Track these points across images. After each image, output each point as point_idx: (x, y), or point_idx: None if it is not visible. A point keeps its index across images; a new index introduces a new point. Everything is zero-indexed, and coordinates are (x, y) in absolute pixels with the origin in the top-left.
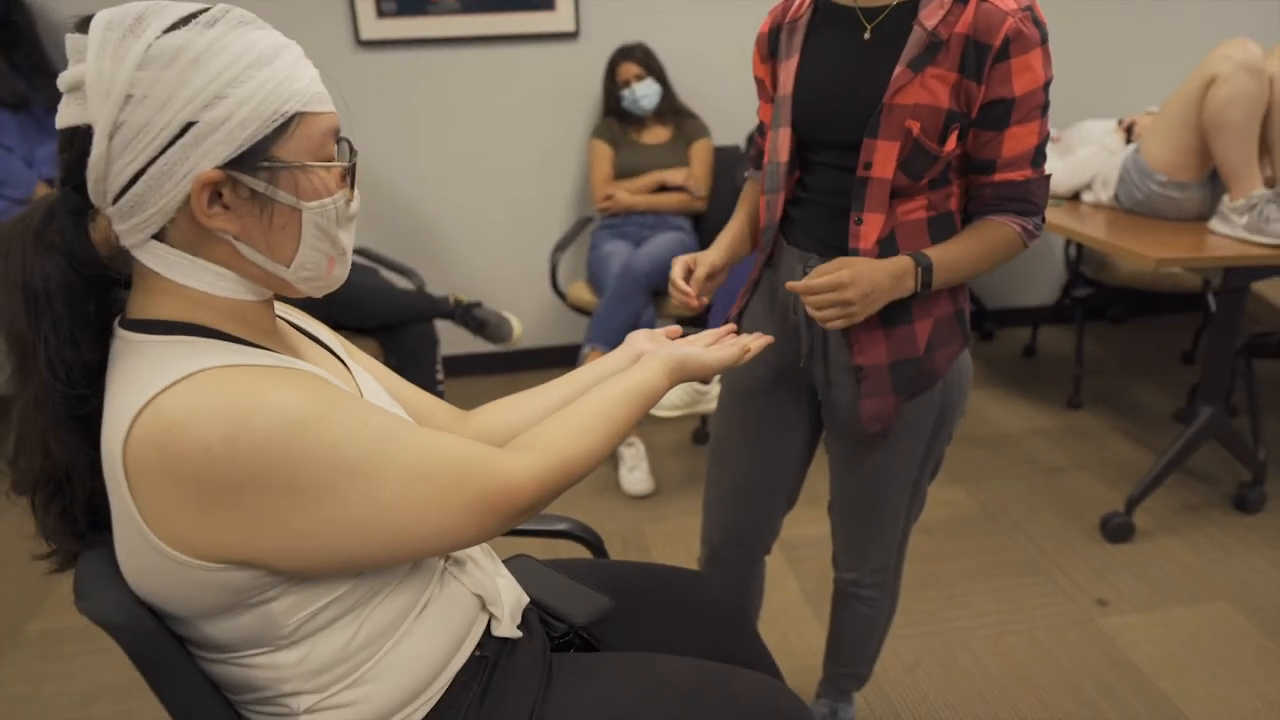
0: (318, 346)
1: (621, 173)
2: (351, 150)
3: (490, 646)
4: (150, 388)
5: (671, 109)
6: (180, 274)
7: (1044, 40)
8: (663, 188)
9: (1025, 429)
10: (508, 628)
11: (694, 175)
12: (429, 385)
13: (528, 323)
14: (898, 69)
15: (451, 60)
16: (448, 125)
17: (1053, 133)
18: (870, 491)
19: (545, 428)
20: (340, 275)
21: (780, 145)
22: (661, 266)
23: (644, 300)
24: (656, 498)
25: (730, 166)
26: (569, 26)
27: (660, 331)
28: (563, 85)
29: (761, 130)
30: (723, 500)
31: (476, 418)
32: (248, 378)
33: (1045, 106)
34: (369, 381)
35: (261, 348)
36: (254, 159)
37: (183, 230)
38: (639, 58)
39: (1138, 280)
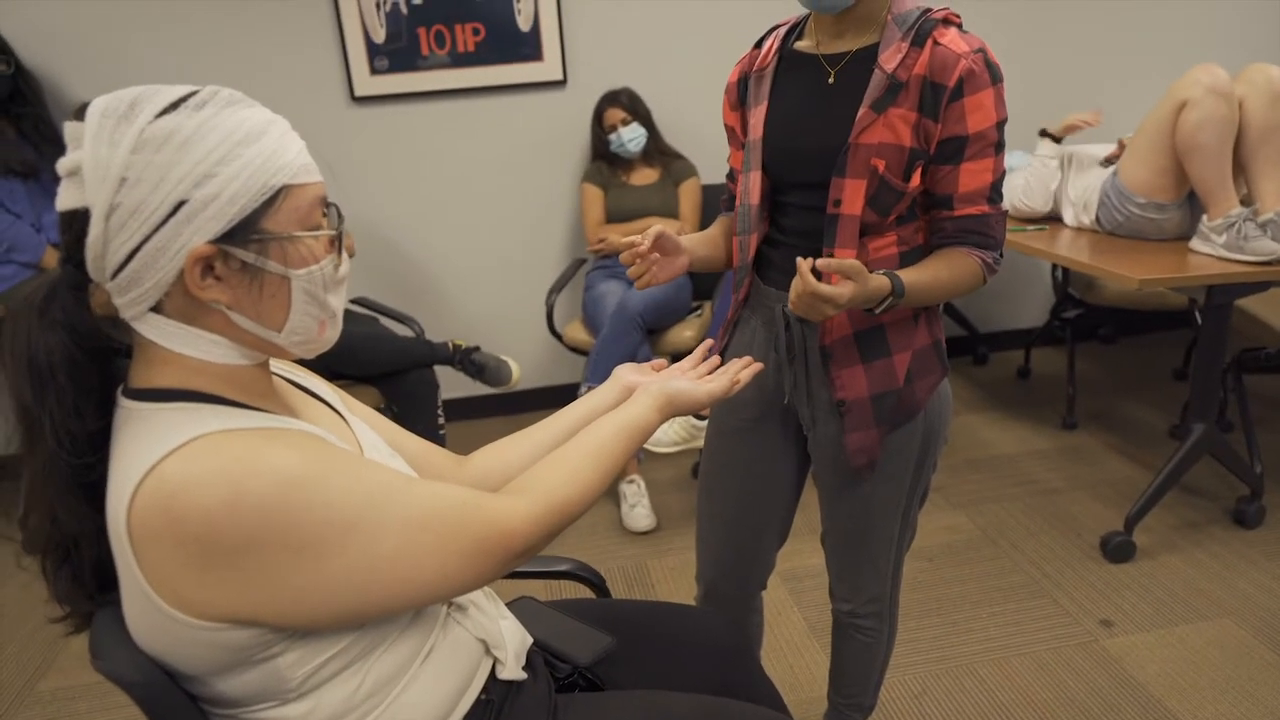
0: (315, 402)
1: (613, 214)
2: (339, 216)
3: (496, 690)
4: (152, 454)
5: (659, 150)
6: (178, 343)
7: (996, 81)
8: None
9: (1022, 451)
10: (512, 670)
11: (684, 218)
12: (431, 430)
13: (526, 364)
14: (861, 110)
15: (444, 112)
16: (442, 175)
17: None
18: (861, 523)
19: (539, 470)
20: (331, 337)
21: (752, 188)
22: (655, 304)
23: (639, 338)
24: (658, 533)
25: (719, 204)
26: (556, 75)
27: (646, 365)
28: (553, 131)
29: (732, 176)
30: (714, 538)
31: (473, 461)
32: (246, 441)
33: (999, 145)
34: (367, 433)
35: (258, 409)
36: (244, 232)
37: (178, 302)
38: (624, 103)
39: (1125, 300)
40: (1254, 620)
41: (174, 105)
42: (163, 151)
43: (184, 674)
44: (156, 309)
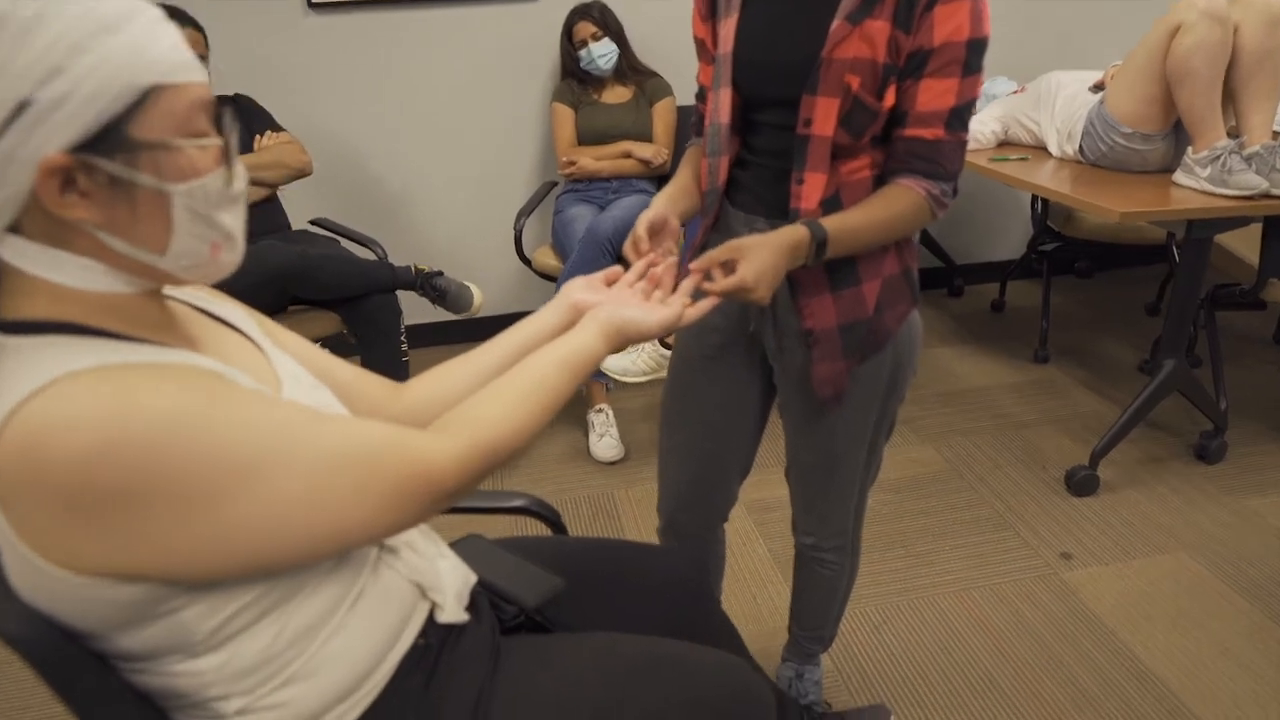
0: (228, 332)
1: (584, 134)
2: (233, 122)
3: (434, 633)
4: (14, 394)
5: (631, 68)
6: (44, 268)
7: None
8: (627, 155)
9: (993, 384)
10: (452, 612)
11: (657, 139)
12: (393, 357)
13: (493, 290)
14: (835, 22)
15: (408, 22)
16: (406, 89)
17: (1016, 85)
18: (826, 456)
19: (472, 405)
20: (230, 261)
21: (722, 106)
22: (626, 229)
23: (609, 263)
24: (626, 463)
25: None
26: None
27: (598, 276)
28: (523, 47)
29: (702, 95)
30: (676, 469)
31: (411, 389)
32: (124, 378)
33: (969, 67)
34: (287, 364)
35: (146, 342)
36: (107, 140)
37: (40, 221)
38: (595, 17)
39: (1104, 233)
40: (1208, 554)
41: None
42: None
43: (78, 631)
44: (15, 230)
